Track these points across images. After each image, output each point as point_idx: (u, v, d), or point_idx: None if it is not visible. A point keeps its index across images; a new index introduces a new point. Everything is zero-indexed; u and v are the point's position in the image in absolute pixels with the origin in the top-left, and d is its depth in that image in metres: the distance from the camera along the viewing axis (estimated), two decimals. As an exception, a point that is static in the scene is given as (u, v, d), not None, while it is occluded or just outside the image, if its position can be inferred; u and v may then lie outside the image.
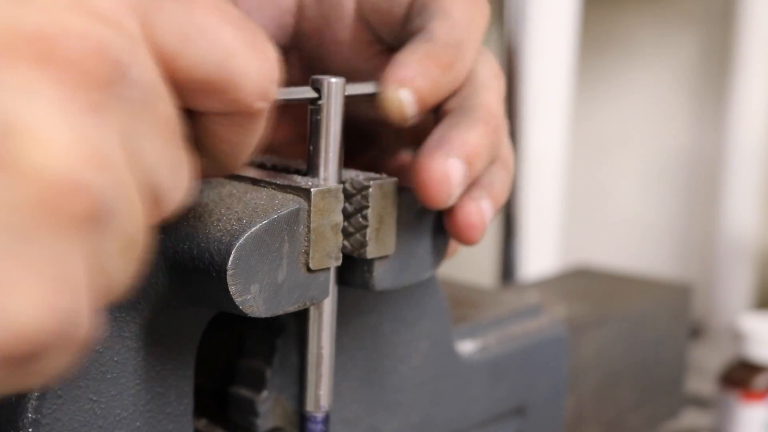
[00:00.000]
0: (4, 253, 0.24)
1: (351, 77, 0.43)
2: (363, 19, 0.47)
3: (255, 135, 0.34)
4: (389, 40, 0.46)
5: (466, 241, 0.43)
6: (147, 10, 0.29)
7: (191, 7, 0.30)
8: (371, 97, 0.42)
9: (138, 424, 0.39)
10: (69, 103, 0.25)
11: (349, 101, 0.41)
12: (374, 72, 0.44)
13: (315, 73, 0.48)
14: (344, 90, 0.41)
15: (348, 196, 0.41)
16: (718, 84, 1.39)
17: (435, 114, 0.44)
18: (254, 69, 0.32)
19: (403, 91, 0.41)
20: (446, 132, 0.42)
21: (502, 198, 0.44)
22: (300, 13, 0.49)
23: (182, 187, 0.31)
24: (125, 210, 0.27)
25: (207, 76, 0.31)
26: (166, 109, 0.29)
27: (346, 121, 0.41)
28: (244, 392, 0.44)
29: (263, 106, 0.33)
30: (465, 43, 0.43)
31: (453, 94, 0.43)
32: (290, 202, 0.38)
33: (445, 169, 0.40)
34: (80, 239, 0.25)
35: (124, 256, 0.27)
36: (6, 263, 0.24)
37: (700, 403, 0.95)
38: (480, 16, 0.44)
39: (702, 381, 1.00)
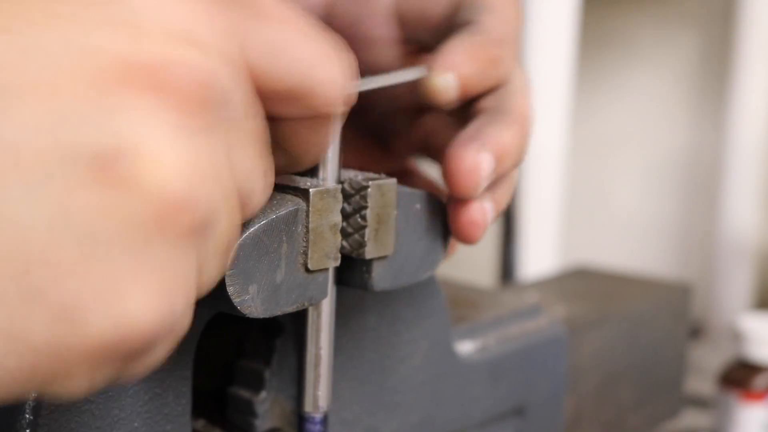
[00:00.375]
0: (123, 262, 0.27)
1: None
2: (398, 16, 0.47)
3: (329, 134, 0.36)
4: (424, 38, 0.47)
5: (467, 239, 0.44)
6: (244, 33, 0.31)
7: (280, 25, 0.32)
8: (397, 90, 0.43)
9: (136, 424, 0.39)
10: (184, 127, 0.28)
11: (370, 96, 0.42)
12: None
13: None
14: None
15: (347, 197, 0.40)
16: (718, 84, 1.39)
17: (467, 112, 0.45)
18: (332, 78, 0.34)
19: (449, 74, 0.43)
20: (482, 127, 0.43)
21: (503, 204, 0.46)
22: (329, 10, 0.49)
23: (267, 189, 0.34)
24: (227, 217, 0.30)
25: (293, 88, 0.33)
26: (258, 123, 0.32)
27: (360, 119, 0.41)
28: (243, 393, 0.44)
29: (342, 109, 0.35)
30: (512, 39, 0.45)
31: (490, 93, 0.45)
32: (288, 203, 0.38)
33: (476, 160, 0.42)
34: (192, 247, 0.28)
35: (220, 256, 0.30)
36: (124, 271, 0.27)
37: (699, 403, 0.95)
38: (521, 15, 0.46)
39: (702, 381, 1.00)
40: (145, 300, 0.27)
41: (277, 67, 0.32)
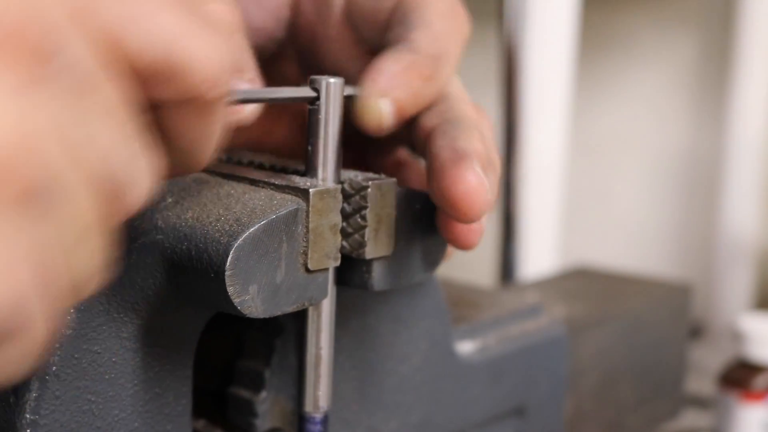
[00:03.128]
0: None
1: (339, 75, 0.43)
2: (348, 17, 0.47)
3: (214, 127, 0.34)
4: (372, 42, 0.46)
5: (466, 245, 0.43)
6: None
7: None
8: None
9: (136, 424, 0.39)
10: (1, 78, 0.25)
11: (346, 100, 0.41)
12: (359, 72, 0.44)
13: (309, 69, 0.49)
14: (343, 90, 0.41)
15: (347, 197, 0.40)
16: (718, 84, 1.39)
17: (414, 130, 0.44)
18: (203, 54, 0.31)
19: (384, 101, 0.41)
20: (452, 144, 0.41)
21: (494, 200, 0.44)
22: (296, 6, 0.49)
23: (144, 180, 0.30)
24: (70, 195, 0.26)
25: (153, 62, 0.30)
26: (110, 95, 0.29)
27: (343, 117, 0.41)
28: (243, 393, 0.44)
29: (216, 94, 0.32)
30: (445, 55, 0.43)
31: (430, 110, 0.43)
32: (288, 203, 0.38)
33: (478, 178, 0.40)
34: (16, 221, 0.25)
35: (81, 249, 0.27)
36: None
37: (699, 403, 0.95)
38: (460, 29, 0.44)
39: (702, 381, 1.00)
40: None
41: (130, 36, 0.29)
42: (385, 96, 0.41)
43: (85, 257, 0.27)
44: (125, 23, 0.29)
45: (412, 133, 0.44)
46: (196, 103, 0.32)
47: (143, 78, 0.30)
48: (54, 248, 0.26)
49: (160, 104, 0.32)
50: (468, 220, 0.41)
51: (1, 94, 0.25)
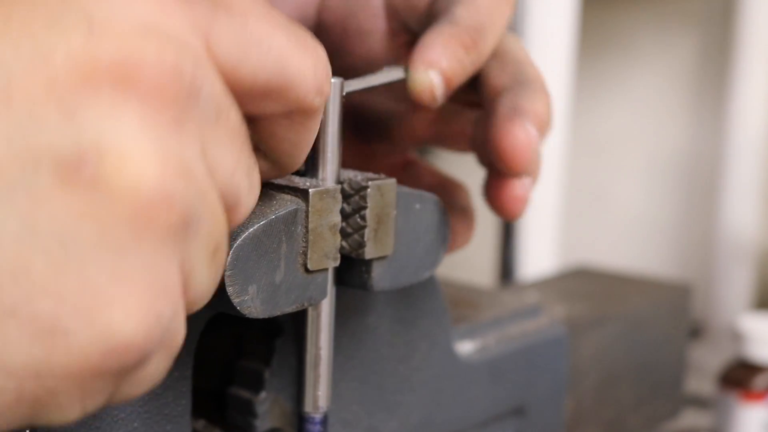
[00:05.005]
0: (100, 270, 0.25)
1: (375, 68, 0.44)
2: (390, 7, 0.47)
3: (312, 131, 0.35)
4: (416, 27, 0.47)
5: (511, 215, 0.45)
6: (207, 26, 0.30)
7: (245, 17, 0.31)
8: (390, 85, 0.43)
9: (136, 424, 0.39)
10: (150, 122, 0.27)
11: (370, 90, 0.42)
12: (398, 62, 0.45)
13: (336, 66, 0.49)
14: (342, 90, 0.41)
15: (346, 197, 0.40)
16: (718, 84, 1.39)
17: (483, 89, 0.46)
18: (309, 67, 0.32)
19: (432, 72, 0.43)
20: (515, 102, 0.44)
21: (538, 174, 0.46)
22: (322, 4, 0.49)
23: (256, 190, 0.32)
24: (209, 217, 0.28)
25: (267, 82, 0.32)
26: (235, 118, 0.30)
27: (362, 111, 0.42)
28: (243, 393, 0.44)
29: (320, 101, 0.34)
30: (487, 26, 0.45)
31: (501, 70, 0.45)
32: (288, 203, 0.38)
33: (527, 135, 0.43)
34: (172, 248, 0.27)
35: (211, 262, 0.29)
36: (102, 279, 0.25)
37: (699, 403, 0.95)
38: (505, 3, 0.46)
39: (702, 381, 1.00)
40: (129, 308, 0.26)
41: (247, 61, 0.31)
42: (432, 67, 0.43)
43: (213, 267, 0.29)
44: (239, 47, 0.31)
45: (480, 92, 0.46)
46: (301, 112, 0.33)
47: (255, 95, 0.32)
48: (193, 266, 0.28)
49: (263, 116, 0.33)
50: (511, 172, 0.44)
51: (155, 133, 0.27)
